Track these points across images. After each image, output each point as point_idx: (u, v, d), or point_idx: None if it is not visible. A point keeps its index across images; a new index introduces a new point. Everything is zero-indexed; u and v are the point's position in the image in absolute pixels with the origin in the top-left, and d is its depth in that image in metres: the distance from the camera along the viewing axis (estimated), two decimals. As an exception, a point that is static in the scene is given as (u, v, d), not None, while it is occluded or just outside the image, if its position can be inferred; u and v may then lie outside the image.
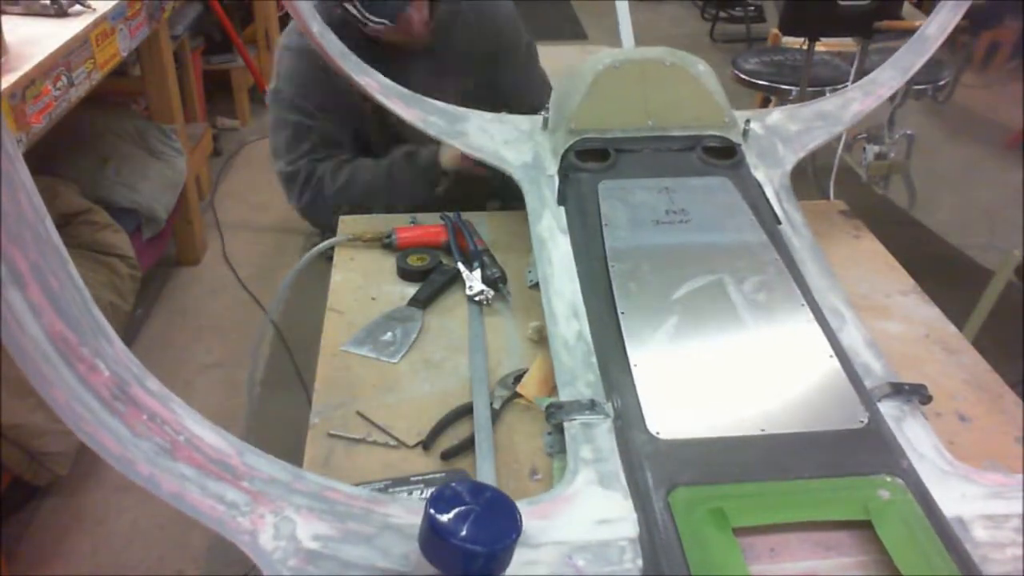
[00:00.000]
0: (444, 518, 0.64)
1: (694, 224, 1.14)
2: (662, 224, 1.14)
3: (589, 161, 1.23)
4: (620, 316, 0.99)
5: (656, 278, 1.05)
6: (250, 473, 0.71)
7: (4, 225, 0.56)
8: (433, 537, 0.64)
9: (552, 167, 1.26)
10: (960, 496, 0.80)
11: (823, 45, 2.80)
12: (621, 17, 1.52)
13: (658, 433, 0.84)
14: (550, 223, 1.18)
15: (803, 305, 1.02)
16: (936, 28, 1.45)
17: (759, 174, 1.26)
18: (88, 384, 0.64)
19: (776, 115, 1.38)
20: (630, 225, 1.13)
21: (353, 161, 1.64)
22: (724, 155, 1.26)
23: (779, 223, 1.18)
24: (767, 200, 1.22)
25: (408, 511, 0.73)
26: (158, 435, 0.67)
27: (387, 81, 1.38)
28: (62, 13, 2.06)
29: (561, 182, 1.23)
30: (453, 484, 0.68)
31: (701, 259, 1.08)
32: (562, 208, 1.20)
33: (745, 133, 1.30)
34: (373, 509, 0.73)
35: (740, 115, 1.34)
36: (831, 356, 0.95)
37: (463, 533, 0.63)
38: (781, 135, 1.34)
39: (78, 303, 0.64)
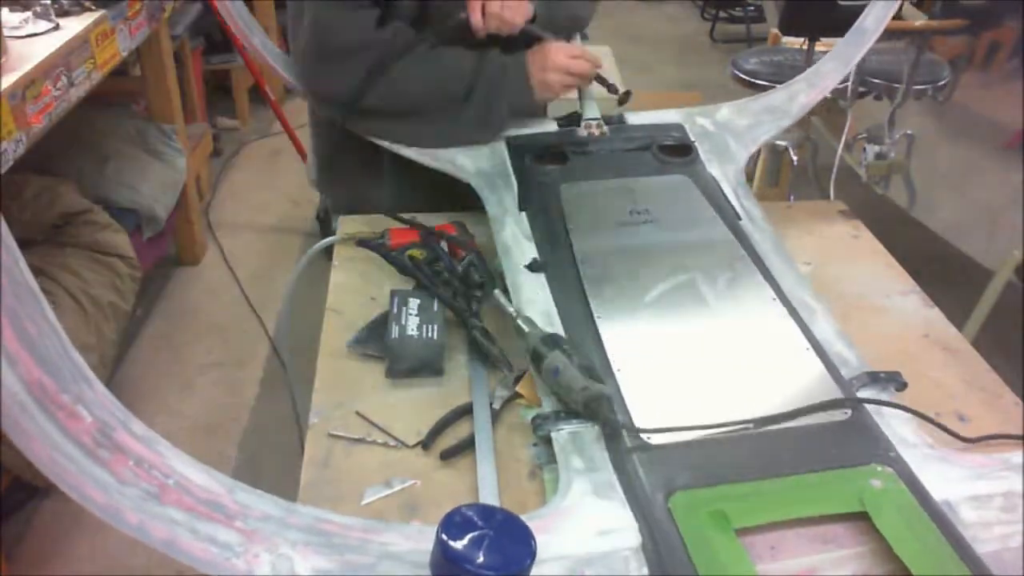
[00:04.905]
0: (458, 544, 0.63)
1: (659, 223, 1.15)
2: (628, 225, 1.14)
3: (547, 164, 1.23)
4: (597, 321, 0.99)
5: (628, 280, 1.05)
6: (242, 512, 0.69)
7: None
8: (447, 565, 0.63)
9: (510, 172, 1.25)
10: (945, 479, 0.81)
11: (823, 45, 2.79)
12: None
13: (649, 438, 0.84)
14: (514, 230, 1.17)
15: (775, 299, 1.03)
16: (873, 21, 1.49)
17: (714, 170, 1.27)
18: (69, 433, 0.61)
19: (725, 111, 1.40)
20: (596, 227, 1.14)
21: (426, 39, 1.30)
22: (680, 153, 1.27)
23: (739, 219, 1.19)
24: (725, 196, 1.22)
25: (405, 537, 0.72)
26: (145, 480, 0.65)
27: None
28: (62, 13, 2.06)
29: (521, 187, 1.22)
30: (463, 508, 0.66)
31: (670, 259, 1.08)
32: (523, 214, 1.20)
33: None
34: (370, 538, 0.72)
35: (691, 111, 1.36)
36: (808, 349, 0.96)
37: (479, 560, 0.62)
38: (731, 130, 1.35)
39: (56, 348, 0.61)
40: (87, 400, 0.63)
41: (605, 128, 1.33)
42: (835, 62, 1.48)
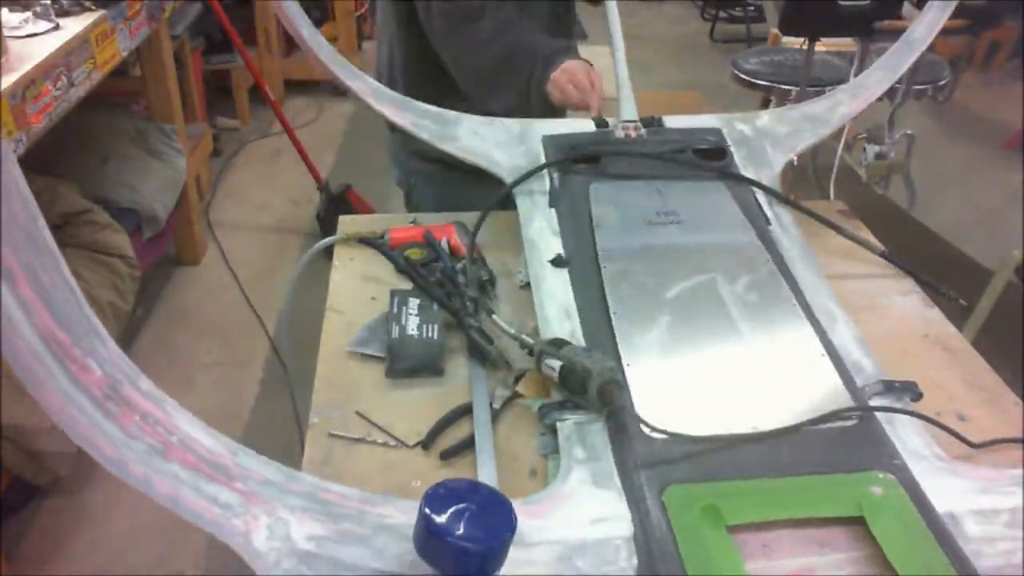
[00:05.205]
0: (439, 517, 0.64)
1: (685, 225, 1.15)
2: (653, 225, 1.14)
3: (580, 163, 1.23)
4: (612, 316, 1.00)
5: (648, 278, 1.05)
6: (244, 474, 0.71)
7: None
8: (428, 536, 0.64)
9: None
10: (951, 491, 0.81)
11: (823, 45, 2.79)
12: (611, 18, 1.51)
13: (650, 431, 0.84)
14: (541, 225, 1.18)
15: (794, 305, 1.02)
16: (924, 30, 1.47)
17: (748, 175, 1.26)
18: (81, 384, 0.63)
19: (765, 118, 1.40)
20: (621, 226, 1.14)
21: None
22: (714, 157, 1.27)
23: (769, 224, 1.19)
24: (757, 201, 1.22)
25: (402, 511, 0.73)
26: (151, 436, 0.67)
27: (377, 85, 1.38)
28: (62, 13, 2.07)
29: (552, 184, 1.23)
30: (448, 482, 0.67)
31: (693, 259, 1.08)
32: (553, 210, 1.20)
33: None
34: (367, 510, 0.73)
35: (731, 117, 1.36)
36: (823, 355, 0.95)
37: (459, 531, 0.63)
38: (770, 137, 1.35)
39: (71, 303, 0.64)
40: (98, 355, 0.65)
41: (642, 130, 1.33)
42: (882, 72, 1.46)
